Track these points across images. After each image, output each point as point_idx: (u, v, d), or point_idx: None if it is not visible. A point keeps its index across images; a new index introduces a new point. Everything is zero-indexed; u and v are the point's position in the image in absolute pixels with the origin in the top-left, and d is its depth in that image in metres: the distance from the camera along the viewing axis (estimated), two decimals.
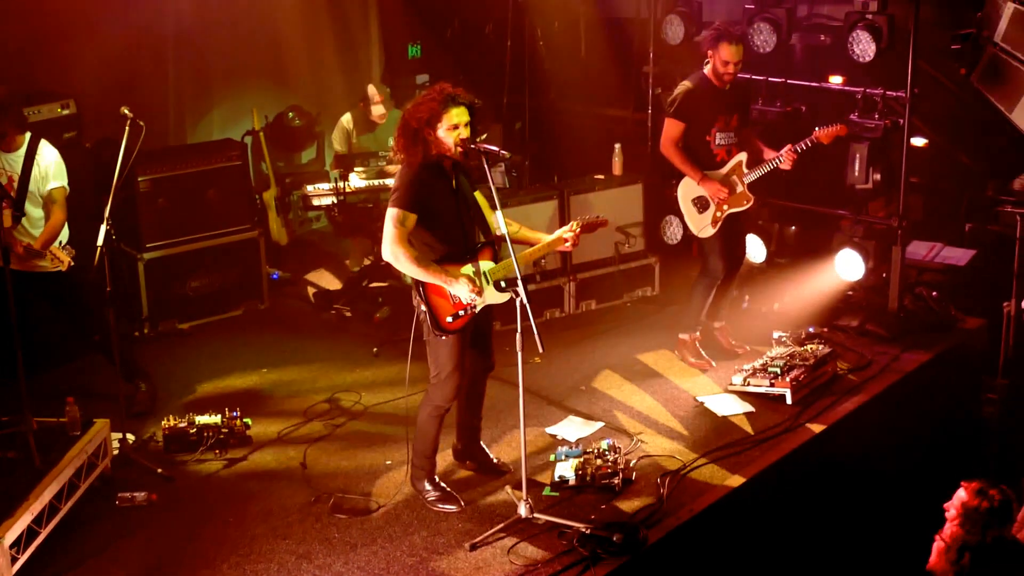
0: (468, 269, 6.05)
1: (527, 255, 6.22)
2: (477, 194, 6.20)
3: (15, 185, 6.85)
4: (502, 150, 6.01)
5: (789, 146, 7.64)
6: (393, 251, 5.90)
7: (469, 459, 6.70)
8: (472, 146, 5.90)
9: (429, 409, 6.28)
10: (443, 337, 6.05)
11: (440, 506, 6.31)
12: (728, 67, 7.54)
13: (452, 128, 5.89)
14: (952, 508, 5.22)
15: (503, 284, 6.00)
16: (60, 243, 6.82)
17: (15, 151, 6.88)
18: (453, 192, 6.04)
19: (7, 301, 6.08)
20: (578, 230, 6.22)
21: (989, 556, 5.08)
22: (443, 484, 6.41)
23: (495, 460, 6.66)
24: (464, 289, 5.94)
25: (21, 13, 8.85)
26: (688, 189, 7.78)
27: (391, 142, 9.30)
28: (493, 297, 6.11)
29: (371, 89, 9.69)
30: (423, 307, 6.02)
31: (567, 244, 6.19)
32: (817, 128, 7.68)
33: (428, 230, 6.01)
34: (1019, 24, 7.55)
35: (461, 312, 6.04)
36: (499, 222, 5.87)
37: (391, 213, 5.92)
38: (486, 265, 6.10)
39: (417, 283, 6.03)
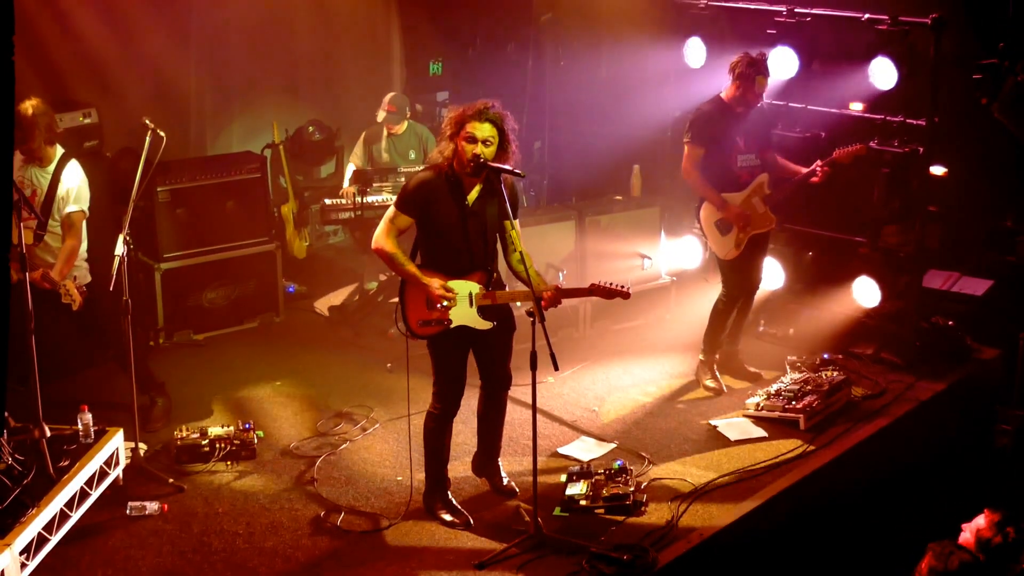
0: (455, 283, 6.06)
1: (506, 295, 6.15)
2: (508, 223, 6.08)
3: (39, 200, 6.80)
4: (516, 169, 5.99)
5: (819, 161, 7.66)
6: (376, 244, 6.11)
7: (483, 474, 6.70)
8: (484, 163, 5.91)
9: (430, 419, 6.33)
10: (409, 337, 6.18)
11: (450, 523, 6.31)
12: (759, 98, 7.64)
13: (469, 139, 5.90)
14: (968, 531, 5.17)
15: (517, 305, 5.98)
16: (74, 277, 6.81)
17: (46, 166, 6.84)
18: (465, 209, 6.05)
19: (23, 310, 6.09)
20: (555, 294, 5.96)
21: None
22: (454, 501, 6.41)
23: (505, 482, 6.64)
24: (436, 294, 6.00)
25: (47, 24, 8.92)
26: (711, 211, 7.78)
27: (412, 155, 9.41)
28: (473, 321, 6.11)
29: (387, 97, 9.56)
30: (398, 304, 6.16)
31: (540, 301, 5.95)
32: (837, 149, 7.69)
33: (428, 238, 6.11)
34: None
35: (432, 321, 6.08)
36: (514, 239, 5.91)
37: (388, 210, 6.12)
38: (474, 287, 6.07)
39: (401, 283, 6.16)
